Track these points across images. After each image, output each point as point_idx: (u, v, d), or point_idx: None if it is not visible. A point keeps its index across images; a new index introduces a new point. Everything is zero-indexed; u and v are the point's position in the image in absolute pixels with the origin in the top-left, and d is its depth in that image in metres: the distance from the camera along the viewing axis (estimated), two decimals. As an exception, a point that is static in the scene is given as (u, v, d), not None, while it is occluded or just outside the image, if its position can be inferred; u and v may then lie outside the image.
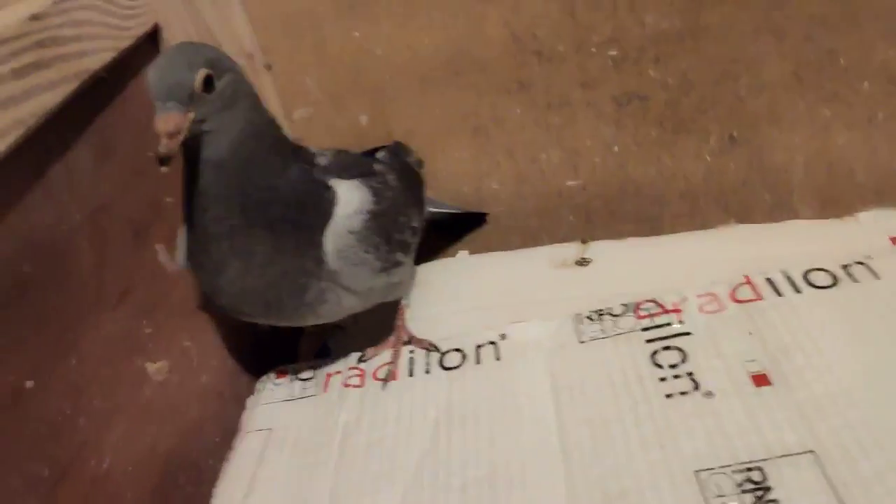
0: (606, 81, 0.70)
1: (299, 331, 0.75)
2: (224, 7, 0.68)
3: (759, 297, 0.58)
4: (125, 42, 0.56)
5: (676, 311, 0.59)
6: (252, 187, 0.47)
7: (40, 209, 0.47)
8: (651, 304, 0.61)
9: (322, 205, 0.52)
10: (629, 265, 0.69)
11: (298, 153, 0.54)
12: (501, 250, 0.78)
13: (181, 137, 0.42)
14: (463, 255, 0.79)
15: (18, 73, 0.44)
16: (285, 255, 0.49)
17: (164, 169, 0.41)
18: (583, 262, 0.72)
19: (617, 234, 0.75)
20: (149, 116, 0.43)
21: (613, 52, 0.69)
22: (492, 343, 0.63)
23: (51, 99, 0.46)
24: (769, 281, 0.59)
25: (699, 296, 0.60)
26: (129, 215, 0.55)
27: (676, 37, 0.67)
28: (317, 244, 0.50)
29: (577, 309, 0.63)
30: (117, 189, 0.55)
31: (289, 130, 0.73)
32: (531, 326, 0.62)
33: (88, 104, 0.52)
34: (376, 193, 0.56)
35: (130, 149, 0.56)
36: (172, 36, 0.65)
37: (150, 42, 0.62)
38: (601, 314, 0.62)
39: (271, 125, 0.50)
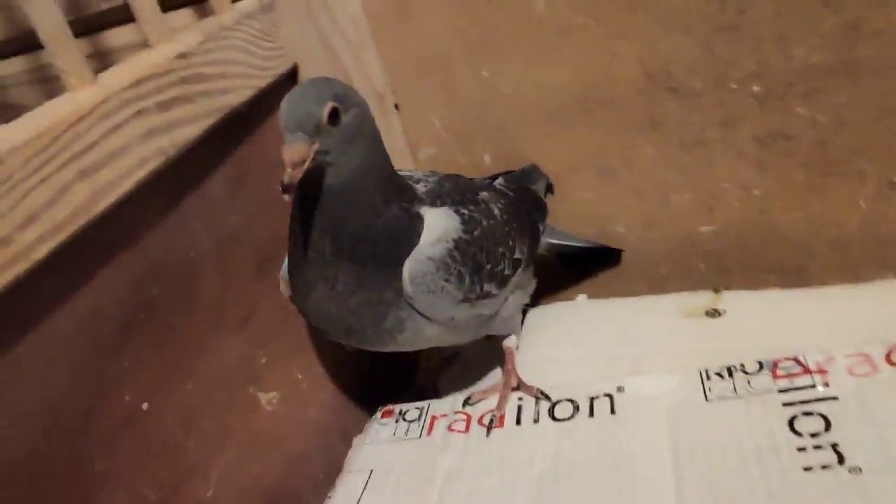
0: (748, 119, 0.66)
1: (412, 366, 0.75)
2: (359, 49, 0.70)
3: (920, 362, 0.52)
4: (264, 81, 0.59)
5: (821, 372, 0.54)
6: (350, 223, 0.48)
7: (173, 235, 0.49)
8: (791, 363, 0.55)
9: (411, 237, 0.52)
10: (767, 319, 0.64)
11: (402, 188, 0.53)
12: (624, 296, 0.74)
13: (305, 167, 0.43)
14: (581, 298, 0.76)
15: (163, 107, 0.47)
16: (367, 287, 0.50)
17: (286, 197, 0.43)
18: (714, 314, 0.67)
19: (754, 284, 0.70)
20: (278, 152, 0.44)
21: (756, 88, 0.64)
22: (607, 395, 0.59)
23: (191, 131, 0.49)
24: None
25: (848, 356, 0.54)
26: (253, 245, 0.57)
27: (828, 71, 0.62)
28: (399, 275, 0.51)
29: (706, 364, 0.58)
30: (245, 220, 0.57)
31: (413, 168, 0.74)
32: (652, 380, 0.58)
33: (225, 138, 0.55)
34: (467, 222, 0.55)
35: (260, 182, 0.59)
36: (309, 75, 0.68)
37: (289, 80, 0.65)
38: (732, 371, 0.57)
39: (384, 163, 0.51)
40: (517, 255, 0.60)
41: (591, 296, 0.76)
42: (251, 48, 0.57)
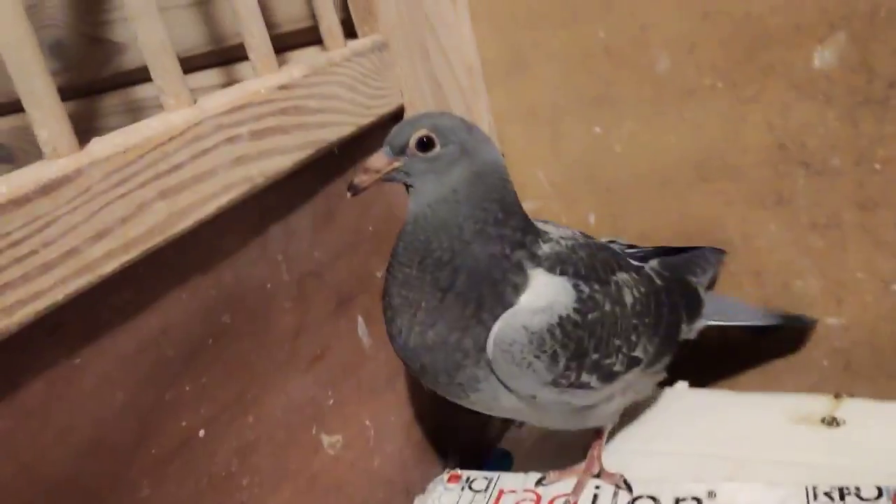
0: (891, 204, 0.59)
1: (498, 429, 0.71)
2: (470, 95, 0.69)
3: None
4: (367, 119, 0.59)
5: None
6: (436, 245, 0.49)
7: (252, 264, 0.49)
8: None
9: (505, 289, 0.48)
10: (893, 436, 0.57)
11: (516, 238, 0.50)
12: (731, 389, 0.68)
13: (377, 178, 0.48)
14: (682, 386, 0.69)
15: (256, 135, 0.47)
16: (448, 321, 0.48)
17: (349, 195, 0.48)
18: (832, 423, 0.60)
19: (883, 392, 0.62)
20: (373, 194, 0.48)
21: (904, 171, 0.57)
22: (696, 499, 0.54)
23: (282, 162, 0.49)
24: None
25: None
26: (335, 283, 0.56)
27: None
28: (484, 325, 0.48)
29: (815, 479, 0.53)
30: (329, 257, 0.56)
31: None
32: (751, 490, 0.53)
33: (318, 171, 0.55)
34: (584, 301, 0.50)
35: (350, 220, 0.58)
36: (415, 117, 0.67)
37: (393, 121, 0.64)
38: (845, 494, 0.51)
39: (490, 203, 0.49)
40: (637, 354, 0.54)
41: (693, 384, 0.70)
42: (357, 86, 0.57)
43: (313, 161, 0.52)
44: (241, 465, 0.47)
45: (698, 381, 0.70)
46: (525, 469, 0.61)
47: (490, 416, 0.75)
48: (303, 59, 0.54)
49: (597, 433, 0.59)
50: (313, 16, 0.59)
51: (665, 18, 0.61)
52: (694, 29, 0.60)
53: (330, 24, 0.57)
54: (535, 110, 0.69)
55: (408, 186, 0.49)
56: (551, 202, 0.72)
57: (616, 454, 0.60)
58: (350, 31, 0.63)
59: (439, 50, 0.65)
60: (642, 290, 0.55)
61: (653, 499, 0.54)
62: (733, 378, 0.70)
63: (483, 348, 0.48)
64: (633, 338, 0.53)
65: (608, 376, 0.52)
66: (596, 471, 0.58)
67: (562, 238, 0.53)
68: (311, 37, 0.66)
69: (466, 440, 0.70)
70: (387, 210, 0.63)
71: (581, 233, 0.57)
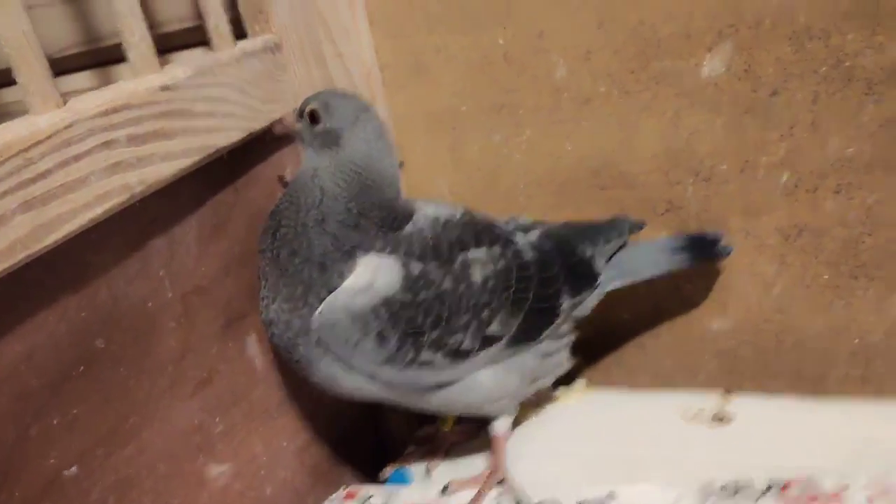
0: (773, 210, 0.62)
1: (384, 453, 0.69)
2: (368, 100, 0.66)
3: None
4: (259, 124, 0.55)
5: (836, 499, 0.50)
6: (287, 217, 0.51)
7: (131, 282, 0.45)
8: (803, 487, 0.52)
9: (331, 274, 0.50)
10: (780, 431, 0.60)
11: (364, 229, 0.51)
12: (626, 386, 0.69)
13: (284, 130, 0.56)
14: (580, 384, 0.70)
15: (135, 140, 0.43)
16: (282, 299, 0.51)
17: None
18: (722, 419, 0.62)
19: (767, 389, 0.65)
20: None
21: (786, 178, 0.60)
22: (598, 503, 0.54)
23: (165, 169, 0.45)
24: None
25: (868, 486, 0.51)
26: (224, 301, 0.52)
27: (865, 165, 0.58)
28: (310, 307, 0.50)
29: (708, 477, 0.55)
30: (218, 272, 0.52)
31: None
32: (648, 490, 0.54)
33: (207, 180, 0.51)
34: (414, 280, 0.50)
35: (241, 231, 0.54)
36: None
37: (287, 125, 0.61)
38: (738, 489, 0.53)
39: (348, 196, 0.51)
40: (493, 330, 0.53)
41: (591, 382, 0.71)
42: (249, 88, 0.53)
43: (200, 168, 0.49)
44: (119, 502, 0.43)
45: (594, 380, 0.71)
46: (426, 483, 0.60)
47: (390, 433, 0.74)
48: (188, 60, 0.50)
49: (495, 439, 0.59)
50: (200, 15, 0.55)
51: (562, 26, 0.61)
52: (589, 37, 0.61)
53: (217, 21, 0.54)
54: (436, 117, 0.68)
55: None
56: (451, 210, 0.71)
57: (518, 458, 0.60)
58: (241, 33, 0.60)
59: (336, 54, 0.63)
60: (500, 265, 0.54)
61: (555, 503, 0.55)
62: (628, 377, 0.71)
63: (310, 330, 0.49)
64: (486, 314, 0.53)
65: (456, 354, 0.52)
66: (499, 478, 0.57)
67: (426, 217, 0.54)
68: (200, 37, 0.62)
69: (365, 460, 0.67)
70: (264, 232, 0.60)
71: (466, 210, 0.57)
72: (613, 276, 0.61)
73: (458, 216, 0.56)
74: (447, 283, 0.51)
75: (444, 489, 0.58)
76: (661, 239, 0.64)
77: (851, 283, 0.62)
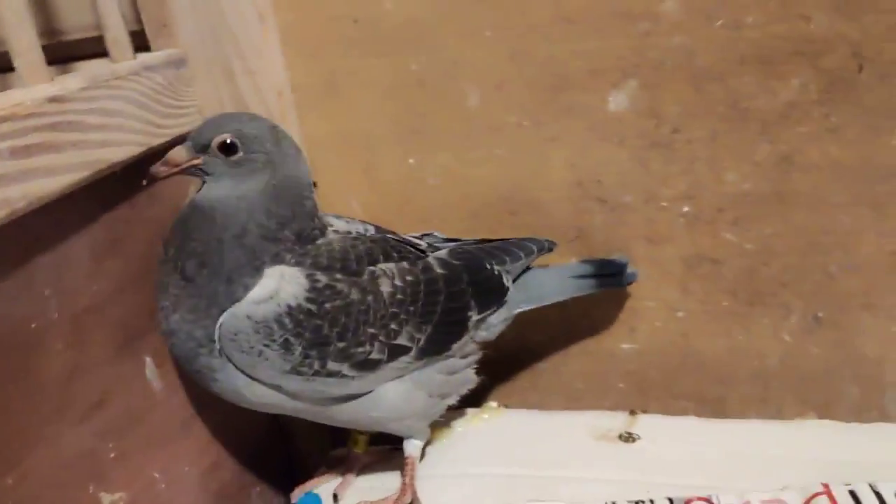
0: (675, 239, 0.64)
1: (293, 475, 0.67)
2: (280, 121, 0.65)
3: (841, 514, 0.49)
4: (158, 140, 0.54)
5: None
6: (196, 237, 0.50)
7: (13, 301, 0.42)
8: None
9: (237, 287, 0.49)
10: (682, 449, 0.61)
11: (278, 244, 0.51)
12: (538, 408, 0.70)
13: (174, 171, 0.49)
14: (491, 405, 0.70)
15: (18, 153, 0.40)
16: (185, 309, 0.50)
17: (143, 182, 0.49)
18: (629, 438, 0.64)
19: (672, 409, 0.67)
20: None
21: (686, 209, 0.63)
22: None
23: (51, 184, 0.43)
24: (853, 495, 0.51)
25: (764, 501, 0.52)
26: (119, 320, 0.50)
27: (760, 199, 0.61)
28: (213, 318, 0.49)
29: (614, 495, 0.55)
30: (113, 290, 0.50)
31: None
32: None
33: (99, 196, 0.49)
34: (319, 290, 0.50)
35: (139, 248, 0.52)
36: (218, 140, 0.63)
37: (192, 143, 0.60)
38: None
39: (273, 214, 0.51)
40: (400, 342, 0.54)
41: (502, 403, 0.72)
42: (148, 103, 0.52)
43: (94, 183, 0.47)
44: (-4, 538, 0.40)
45: (506, 401, 0.72)
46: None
47: (300, 455, 0.72)
48: (83, 71, 0.48)
49: (406, 460, 0.59)
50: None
51: (475, 55, 0.62)
52: (501, 67, 0.62)
53: (116, 34, 0.52)
54: (350, 138, 0.68)
55: (202, 179, 0.51)
56: (365, 231, 0.71)
57: (428, 479, 0.60)
58: (145, 45, 0.58)
59: (246, 70, 0.62)
60: (408, 279, 0.54)
61: (464, 526, 0.54)
62: (539, 399, 0.72)
63: (213, 339, 0.49)
64: (394, 326, 0.53)
65: (364, 364, 0.52)
66: (408, 499, 0.57)
67: (336, 232, 0.54)
68: (101, 47, 0.60)
69: (274, 483, 0.66)
70: (162, 245, 0.58)
71: (376, 228, 0.58)
72: (521, 298, 0.62)
73: (369, 231, 0.57)
74: (354, 294, 0.51)
75: None
76: (569, 264, 0.65)
77: (749, 310, 0.64)
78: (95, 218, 0.49)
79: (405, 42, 0.63)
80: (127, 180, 0.51)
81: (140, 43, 0.57)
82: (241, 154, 0.49)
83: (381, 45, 0.64)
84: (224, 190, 0.50)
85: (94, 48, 0.62)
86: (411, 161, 0.67)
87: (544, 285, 0.63)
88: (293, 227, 0.51)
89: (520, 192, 0.66)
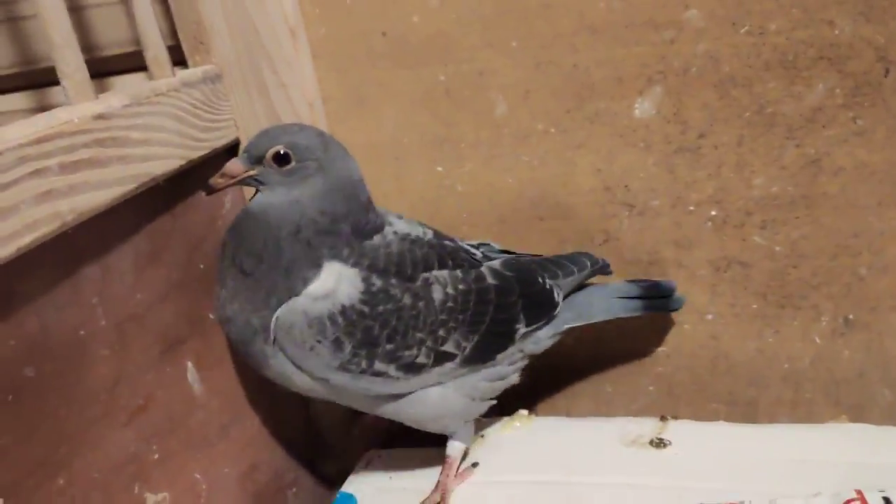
0: (704, 243, 0.64)
1: (329, 479, 0.69)
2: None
3: (875, 521, 0.48)
4: (197, 153, 0.56)
5: None
6: (253, 240, 0.51)
7: (62, 310, 0.44)
8: None
9: (295, 280, 0.51)
10: (714, 455, 0.60)
11: (336, 237, 0.52)
12: (567, 414, 0.70)
13: (231, 182, 0.51)
14: (521, 414, 0.71)
15: (67, 168, 0.42)
16: (243, 300, 0.52)
17: (203, 194, 0.52)
18: (660, 444, 0.63)
19: (703, 413, 0.67)
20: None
21: (714, 213, 0.63)
22: None
23: (98, 198, 0.45)
24: (887, 501, 0.50)
25: None
26: (160, 328, 0.52)
27: (788, 203, 0.61)
28: (271, 309, 0.51)
29: (646, 501, 0.55)
30: (155, 298, 0.52)
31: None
32: None
33: (142, 208, 0.51)
34: (374, 294, 0.52)
35: (179, 258, 0.54)
36: (252, 151, 0.64)
37: (227, 154, 0.61)
38: None
39: (327, 213, 0.52)
40: (447, 348, 0.55)
41: (533, 410, 0.72)
42: (187, 117, 0.54)
43: (136, 196, 0.49)
44: (49, 535, 0.42)
45: (537, 408, 0.72)
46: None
47: (334, 460, 0.74)
48: (124, 88, 0.51)
49: (446, 459, 0.60)
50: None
51: (501, 66, 0.63)
52: (528, 77, 0.63)
53: (156, 52, 0.54)
54: (379, 148, 0.69)
55: (257, 189, 0.53)
56: (395, 239, 0.72)
57: (460, 488, 0.60)
58: (181, 59, 0.60)
59: (279, 84, 0.64)
60: (461, 287, 0.56)
61: (496, 531, 0.54)
62: (569, 404, 0.72)
63: (269, 328, 0.51)
64: (442, 333, 0.54)
65: (410, 367, 0.54)
66: (437, 498, 0.58)
67: (395, 233, 0.56)
68: (138, 62, 0.62)
69: (309, 486, 0.67)
70: (219, 246, 0.60)
71: (434, 233, 0.59)
72: (569, 316, 0.63)
73: (428, 236, 0.58)
74: (406, 300, 0.53)
75: None
76: (617, 284, 0.65)
77: (779, 312, 0.64)
78: (137, 229, 0.51)
79: (432, 54, 0.64)
80: (166, 192, 0.53)
81: (175, 57, 0.59)
82: (293, 164, 0.51)
83: (409, 57, 0.65)
84: (278, 196, 0.51)
85: (128, 63, 0.64)
86: (440, 169, 0.68)
87: (592, 304, 0.64)
88: (349, 220, 0.53)
89: (548, 198, 0.67)
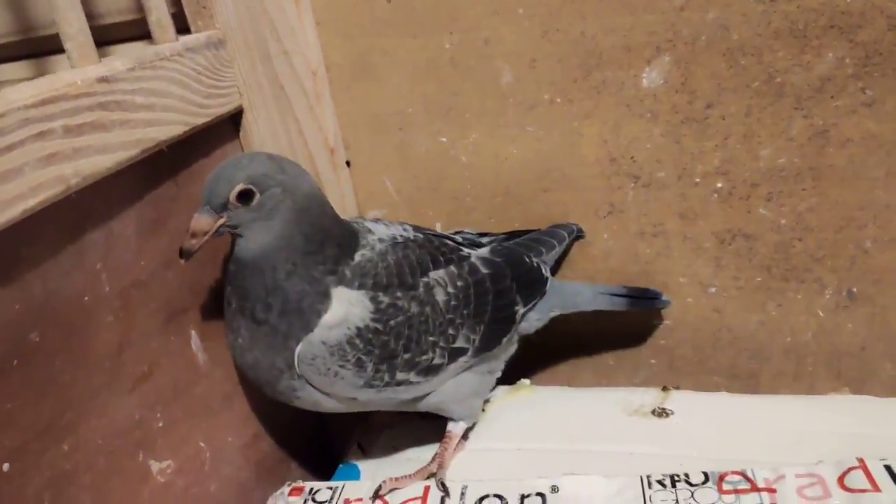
0: (709, 215, 0.64)
1: (330, 448, 0.69)
2: (314, 101, 0.67)
3: (876, 489, 0.49)
4: (201, 119, 0.55)
5: (769, 490, 0.51)
6: (251, 287, 0.51)
7: (67, 275, 0.44)
8: (738, 478, 0.53)
9: (311, 314, 0.51)
10: (716, 424, 0.61)
11: (326, 259, 0.52)
12: (569, 384, 0.71)
13: (204, 239, 0.49)
14: (523, 384, 0.71)
15: (71, 131, 0.42)
16: (261, 348, 0.52)
17: (182, 261, 0.48)
18: (661, 413, 0.63)
19: (704, 385, 0.67)
20: None
21: (720, 185, 0.63)
22: (540, 495, 0.54)
23: (102, 162, 0.44)
24: (889, 469, 0.51)
25: (799, 475, 0.52)
26: (164, 295, 0.52)
27: (795, 175, 0.60)
28: (290, 349, 0.51)
29: (648, 469, 0.55)
30: (158, 266, 0.52)
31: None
32: (589, 482, 0.54)
33: (146, 173, 0.50)
34: (383, 310, 0.53)
35: (182, 226, 0.53)
36: (255, 119, 0.64)
37: (231, 121, 0.61)
38: (676, 480, 0.54)
39: (309, 235, 0.52)
40: (459, 345, 0.57)
41: (535, 381, 0.72)
42: (190, 83, 0.53)
43: (140, 161, 0.48)
44: (56, 499, 0.42)
45: (539, 379, 0.73)
46: (374, 479, 0.59)
47: (336, 431, 0.74)
48: (128, 52, 0.50)
49: (447, 433, 0.60)
50: (142, 7, 0.55)
51: (507, 34, 0.62)
52: (534, 45, 0.62)
53: (159, 16, 0.53)
54: (382, 118, 0.68)
55: (233, 235, 0.51)
56: (398, 209, 0.71)
57: (463, 454, 0.61)
58: (184, 27, 0.59)
59: (281, 51, 0.63)
60: (459, 284, 0.57)
61: (499, 497, 0.55)
62: (571, 375, 0.72)
63: (292, 365, 0.52)
64: (452, 331, 0.56)
65: (428, 370, 0.55)
66: (434, 468, 0.58)
67: (381, 240, 0.56)
68: (140, 30, 0.61)
69: (311, 457, 0.67)
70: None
71: (412, 227, 0.60)
72: (556, 304, 0.65)
73: (409, 235, 0.59)
74: (414, 308, 0.54)
75: (378, 491, 0.57)
76: (605, 285, 0.67)
77: (783, 286, 0.64)
78: (142, 196, 0.51)
79: (437, 21, 0.63)
80: (170, 160, 0.52)
81: (178, 24, 0.58)
82: (259, 197, 0.49)
83: (414, 24, 0.64)
84: (259, 238, 0.50)
85: (129, 32, 0.64)
86: (444, 139, 0.68)
87: (579, 295, 0.66)
88: (332, 235, 0.53)
89: (553, 169, 0.66)
